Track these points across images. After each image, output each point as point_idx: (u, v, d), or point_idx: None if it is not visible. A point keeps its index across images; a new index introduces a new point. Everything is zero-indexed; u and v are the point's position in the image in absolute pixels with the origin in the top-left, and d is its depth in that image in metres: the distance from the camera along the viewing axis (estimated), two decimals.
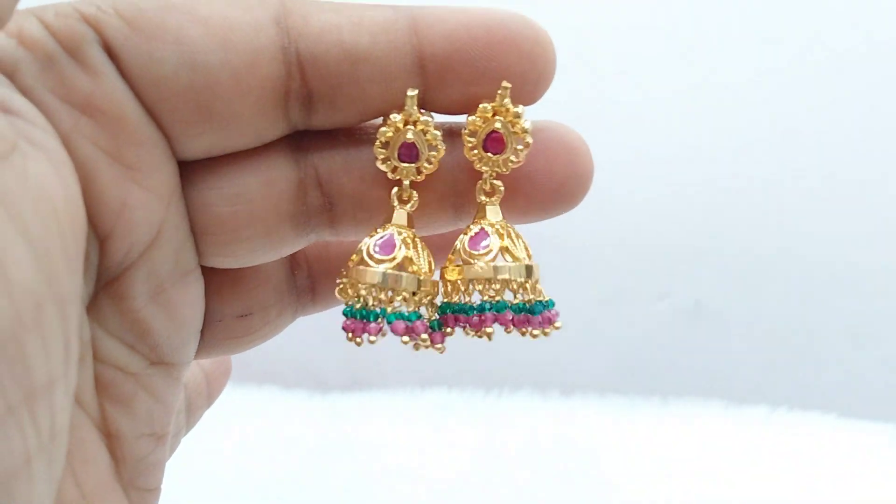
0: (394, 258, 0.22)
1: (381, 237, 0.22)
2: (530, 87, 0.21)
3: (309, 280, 0.25)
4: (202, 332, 0.24)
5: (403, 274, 0.22)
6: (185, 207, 0.21)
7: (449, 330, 0.22)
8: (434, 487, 0.49)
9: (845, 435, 0.54)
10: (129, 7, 0.19)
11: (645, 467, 0.50)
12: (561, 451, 0.52)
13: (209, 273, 0.23)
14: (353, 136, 0.22)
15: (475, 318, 0.22)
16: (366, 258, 0.22)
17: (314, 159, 0.22)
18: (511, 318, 0.22)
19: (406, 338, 0.22)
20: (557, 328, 0.22)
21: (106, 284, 0.20)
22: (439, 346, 0.22)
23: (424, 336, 0.22)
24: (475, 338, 0.22)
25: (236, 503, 0.48)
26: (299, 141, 0.22)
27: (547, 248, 0.62)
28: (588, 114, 0.59)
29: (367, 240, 0.22)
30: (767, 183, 0.60)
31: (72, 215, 0.18)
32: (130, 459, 0.21)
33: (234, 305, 0.24)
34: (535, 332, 0.22)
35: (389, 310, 0.22)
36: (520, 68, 0.21)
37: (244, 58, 0.19)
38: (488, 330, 0.22)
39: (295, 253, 0.25)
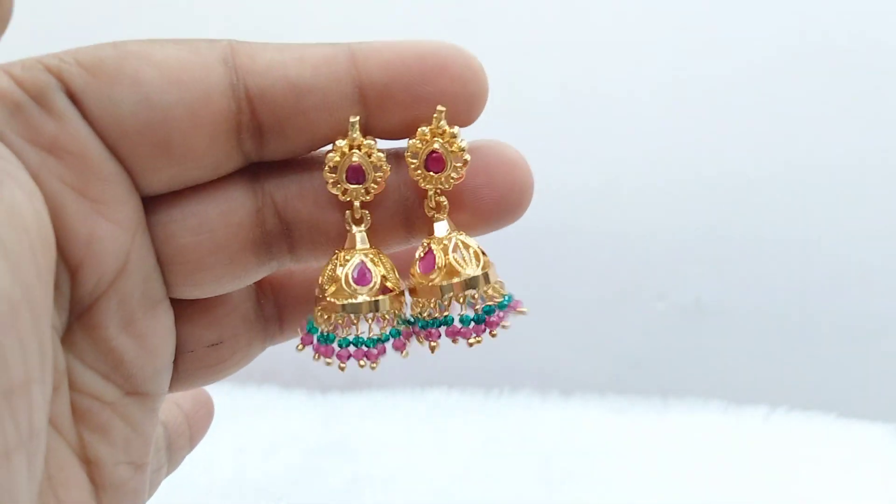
0: (373, 285, 0.24)
1: (354, 267, 0.24)
2: (464, 107, 0.23)
3: (275, 309, 0.27)
4: (176, 364, 0.25)
5: (382, 298, 0.24)
6: (150, 240, 0.22)
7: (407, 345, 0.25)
8: (434, 487, 0.49)
9: (845, 435, 0.54)
10: (88, 56, 0.21)
11: (645, 467, 0.50)
12: (561, 451, 0.52)
13: (179, 305, 0.24)
14: (305, 164, 0.24)
15: (423, 332, 0.24)
16: (345, 287, 0.24)
17: (270, 188, 0.24)
18: (458, 330, 0.24)
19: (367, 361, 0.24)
20: (505, 327, 0.24)
21: (79, 316, 0.22)
22: (403, 352, 0.25)
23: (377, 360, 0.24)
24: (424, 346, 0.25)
25: (236, 503, 0.48)
26: (255, 172, 0.24)
27: (547, 249, 0.62)
28: (587, 114, 0.59)
29: (339, 269, 0.24)
30: (768, 182, 0.60)
31: (42, 237, 0.19)
32: (110, 486, 0.22)
33: (204, 335, 0.25)
34: (475, 339, 0.24)
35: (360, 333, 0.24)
36: (452, 90, 0.22)
37: (196, 95, 0.21)
38: (433, 344, 0.24)
39: (260, 283, 0.26)
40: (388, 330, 0.24)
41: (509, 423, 0.56)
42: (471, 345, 0.24)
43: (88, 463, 0.22)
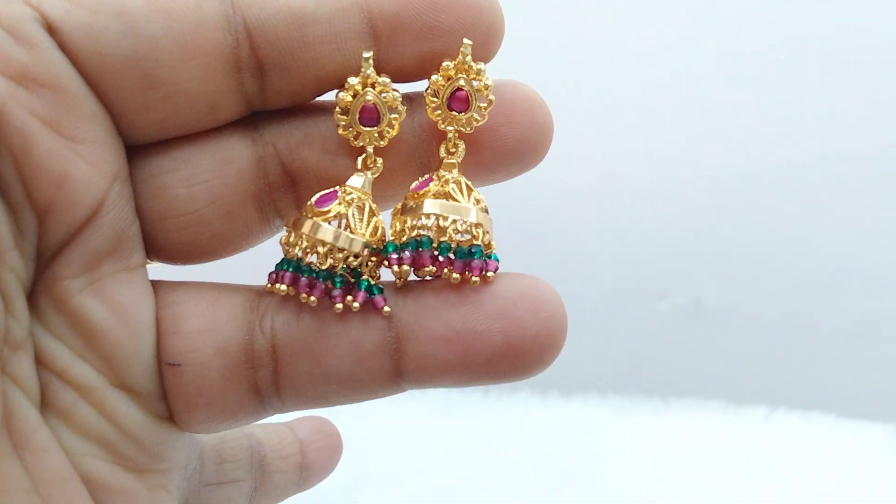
0: (328, 212, 0.21)
1: (326, 192, 0.22)
2: (482, 38, 0.21)
3: (273, 376, 0.22)
4: None
5: (329, 228, 0.21)
6: (131, 192, 0.21)
7: (396, 268, 0.22)
8: (434, 487, 0.49)
9: (845, 435, 0.54)
10: None
11: (645, 467, 0.50)
12: (561, 451, 0.52)
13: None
14: (311, 110, 0.22)
15: (408, 254, 0.22)
16: (306, 209, 0.22)
17: (272, 136, 0.22)
18: (449, 260, 0.22)
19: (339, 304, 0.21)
20: (489, 280, 0.22)
21: (43, 269, 0.20)
22: (385, 309, 0.22)
23: (349, 301, 0.21)
24: (412, 276, 0.22)
25: None
26: (256, 121, 0.22)
27: (547, 249, 0.62)
28: (586, 114, 0.59)
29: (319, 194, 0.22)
30: (768, 182, 0.60)
31: None
32: (87, 479, 0.20)
33: (164, 348, 0.22)
34: (475, 278, 0.22)
35: (326, 267, 0.21)
36: (468, 19, 0.21)
37: (187, 25, 0.19)
38: (404, 268, 0.21)
39: (254, 350, 0.22)
40: (334, 269, 0.21)
41: (509, 423, 0.56)
42: (475, 283, 0.21)
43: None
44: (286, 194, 0.22)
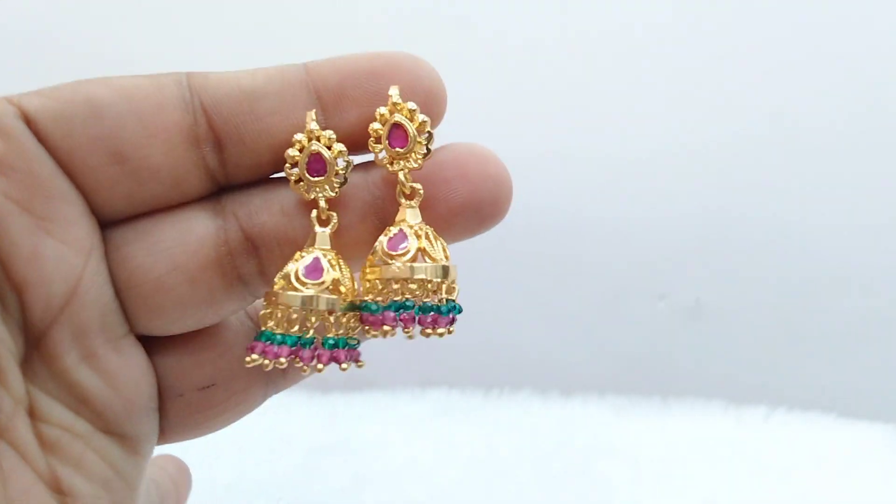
0: (323, 282, 0.22)
1: (308, 262, 0.23)
2: (422, 99, 0.23)
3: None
4: (166, 409, 0.24)
5: (326, 297, 0.22)
6: (107, 269, 0.22)
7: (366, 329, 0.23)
8: (434, 487, 0.49)
9: (845, 435, 0.54)
10: (49, 88, 0.22)
11: (645, 467, 0.50)
12: (561, 451, 0.52)
13: (166, 346, 0.24)
14: (270, 182, 0.24)
15: (377, 317, 0.22)
16: (294, 283, 0.22)
17: (232, 205, 0.23)
18: (416, 317, 0.22)
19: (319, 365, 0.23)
20: (446, 333, 0.23)
21: (36, 343, 0.21)
22: (344, 365, 0.23)
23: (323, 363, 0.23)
24: (376, 337, 0.23)
25: (236, 503, 0.48)
26: (217, 196, 0.24)
27: (547, 249, 0.62)
28: (587, 114, 0.59)
29: (291, 264, 0.23)
30: (767, 183, 0.60)
31: None
32: None
33: (194, 377, 0.24)
34: (440, 330, 0.23)
35: (311, 334, 0.23)
36: (407, 84, 0.23)
37: (148, 107, 0.22)
38: (385, 328, 0.22)
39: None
40: (334, 334, 0.23)
41: (509, 423, 0.56)
42: (432, 335, 0.23)
43: (62, 493, 0.22)
44: (249, 261, 0.23)
